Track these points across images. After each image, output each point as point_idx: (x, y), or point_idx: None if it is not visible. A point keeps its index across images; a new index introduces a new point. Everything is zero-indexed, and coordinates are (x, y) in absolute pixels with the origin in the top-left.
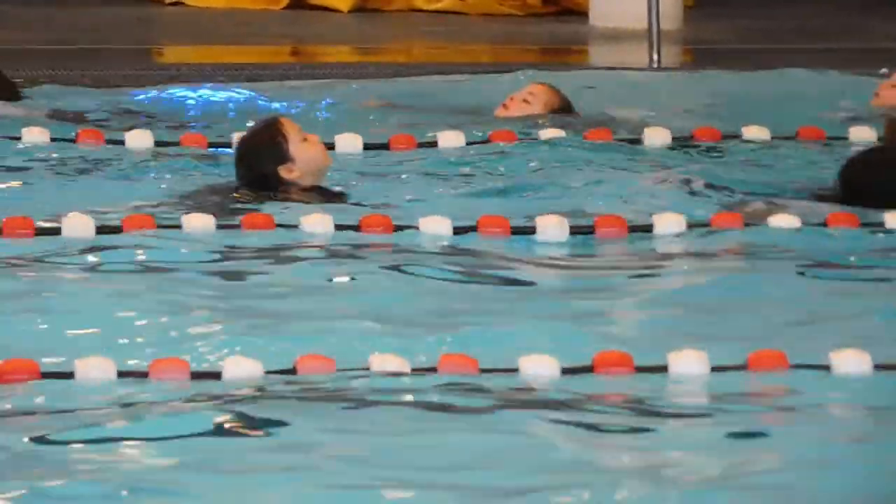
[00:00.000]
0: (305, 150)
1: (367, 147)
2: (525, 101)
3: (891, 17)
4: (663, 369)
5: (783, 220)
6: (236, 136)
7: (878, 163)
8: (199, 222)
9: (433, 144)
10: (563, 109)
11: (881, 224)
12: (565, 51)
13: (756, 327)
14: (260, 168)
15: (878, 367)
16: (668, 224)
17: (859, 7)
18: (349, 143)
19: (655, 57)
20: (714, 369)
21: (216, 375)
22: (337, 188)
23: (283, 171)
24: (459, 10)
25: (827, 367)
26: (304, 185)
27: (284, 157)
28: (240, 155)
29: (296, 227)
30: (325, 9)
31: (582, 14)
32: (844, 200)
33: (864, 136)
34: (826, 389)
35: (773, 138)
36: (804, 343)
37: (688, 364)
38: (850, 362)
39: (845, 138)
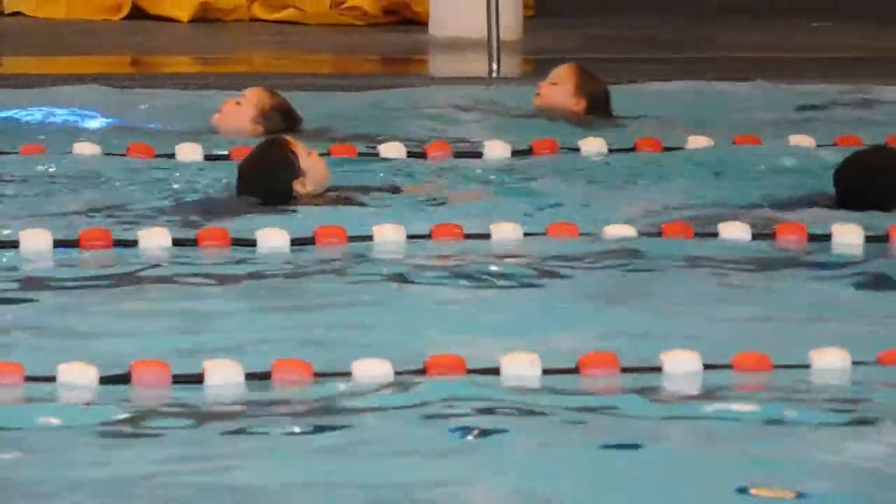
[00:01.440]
0: (313, 164)
1: None
2: (238, 103)
3: (738, 26)
4: None
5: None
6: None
7: (872, 164)
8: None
9: None
10: (279, 113)
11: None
12: (405, 60)
13: None
14: (275, 184)
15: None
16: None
17: (705, 17)
18: None
19: (495, 67)
20: None
21: None
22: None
23: (298, 185)
24: (299, 20)
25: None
26: (309, 196)
27: (297, 172)
28: (251, 173)
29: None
30: (166, 19)
31: (422, 24)
32: (842, 204)
33: (700, 143)
34: None
35: (610, 151)
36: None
37: None
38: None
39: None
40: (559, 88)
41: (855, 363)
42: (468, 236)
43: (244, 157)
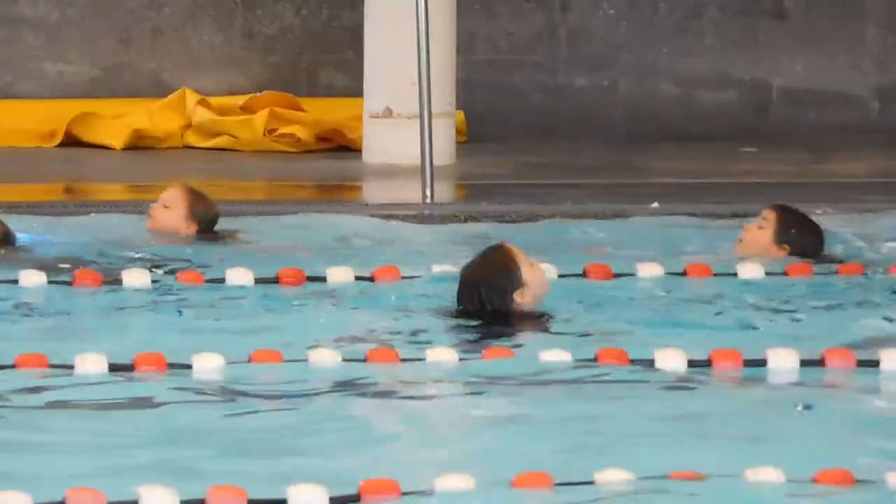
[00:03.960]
0: (535, 275)
1: None
2: None
3: (658, 153)
4: None
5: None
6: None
7: None
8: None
9: None
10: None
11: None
12: (339, 187)
13: None
14: (495, 294)
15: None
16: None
17: (626, 144)
18: None
19: (429, 193)
20: None
21: None
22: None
23: (518, 296)
24: (233, 147)
25: None
26: (527, 309)
27: (519, 283)
28: (473, 281)
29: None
30: (100, 147)
31: (356, 151)
32: None
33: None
34: None
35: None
36: None
37: None
38: None
39: None
40: (171, 211)
41: None
42: None
43: (467, 264)
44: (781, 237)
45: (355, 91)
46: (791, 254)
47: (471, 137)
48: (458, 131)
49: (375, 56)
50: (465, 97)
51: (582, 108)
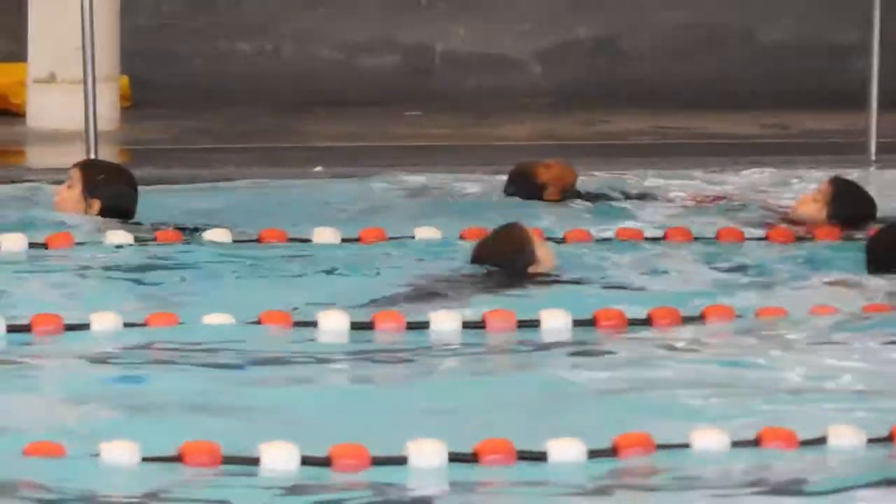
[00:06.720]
0: (546, 251)
1: None
2: None
3: (322, 117)
4: None
5: None
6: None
7: None
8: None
9: None
10: None
11: None
12: (2, 152)
13: None
14: (511, 269)
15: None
16: None
17: (290, 109)
18: None
19: (93, 157)
20: None
21: None
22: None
23: (531, 271)
24: None
25: None
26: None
27: (532, 258)
28: (489, 258)
29: None
30: None
31: (20, 116)
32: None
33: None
34: None
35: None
36: None
37: None
38: None
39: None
40: None
41: None
42: None
43: (479, 241)
44: (90, 192)
45: (19, 56)
46: (102, 211)
47: (135, 103)
48: (122, 97)
49: (39, 21)
50: (129, 62)
51: (245, 73)
